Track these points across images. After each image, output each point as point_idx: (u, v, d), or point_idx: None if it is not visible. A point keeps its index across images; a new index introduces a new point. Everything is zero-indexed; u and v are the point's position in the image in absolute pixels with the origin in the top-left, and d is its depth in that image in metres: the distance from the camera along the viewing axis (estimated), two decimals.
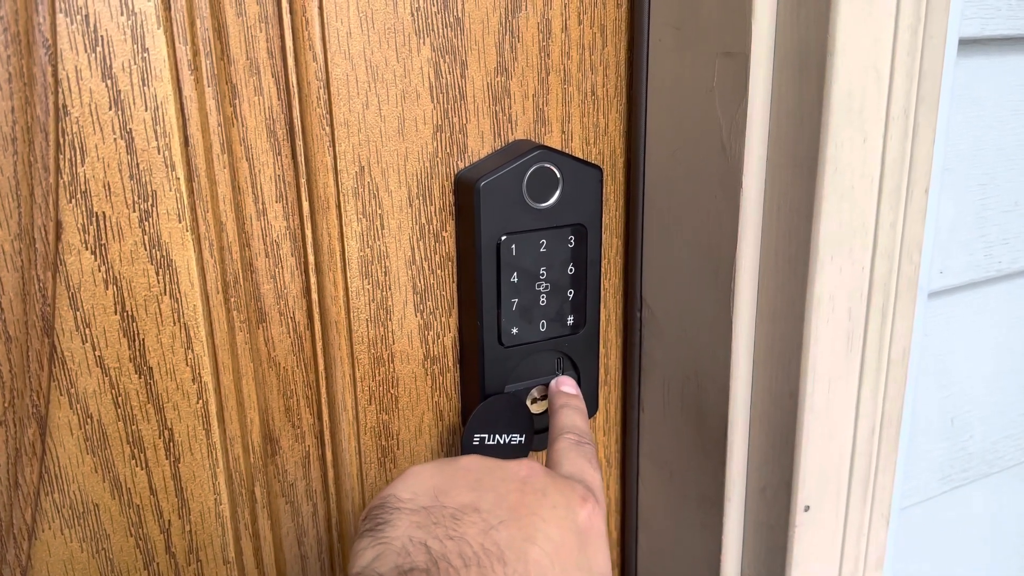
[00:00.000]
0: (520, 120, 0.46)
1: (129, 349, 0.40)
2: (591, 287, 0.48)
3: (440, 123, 0.44)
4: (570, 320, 0.48)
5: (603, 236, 0.51)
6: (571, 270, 0.47)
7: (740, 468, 0.47)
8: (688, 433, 0.49)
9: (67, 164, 0.37)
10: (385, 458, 0.48)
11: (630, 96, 0.49)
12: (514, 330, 0.46)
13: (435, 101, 0.44)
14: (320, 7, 0.40)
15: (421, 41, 0.43)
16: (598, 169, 0.47)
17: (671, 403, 0.50)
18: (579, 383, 0.50)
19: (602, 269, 0.51)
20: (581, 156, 0.49)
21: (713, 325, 0.46)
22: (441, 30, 0.43)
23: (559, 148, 0.48)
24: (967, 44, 0.47)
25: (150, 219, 0.39)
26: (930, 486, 0.57)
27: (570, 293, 0.48)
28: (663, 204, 0.48)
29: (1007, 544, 0.63)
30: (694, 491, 0.49)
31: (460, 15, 0.43)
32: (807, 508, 0.45)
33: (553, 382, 0.47)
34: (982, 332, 0.56)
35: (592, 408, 0.51)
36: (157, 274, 0.40)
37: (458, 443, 0.50)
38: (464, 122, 0.45)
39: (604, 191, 0.50)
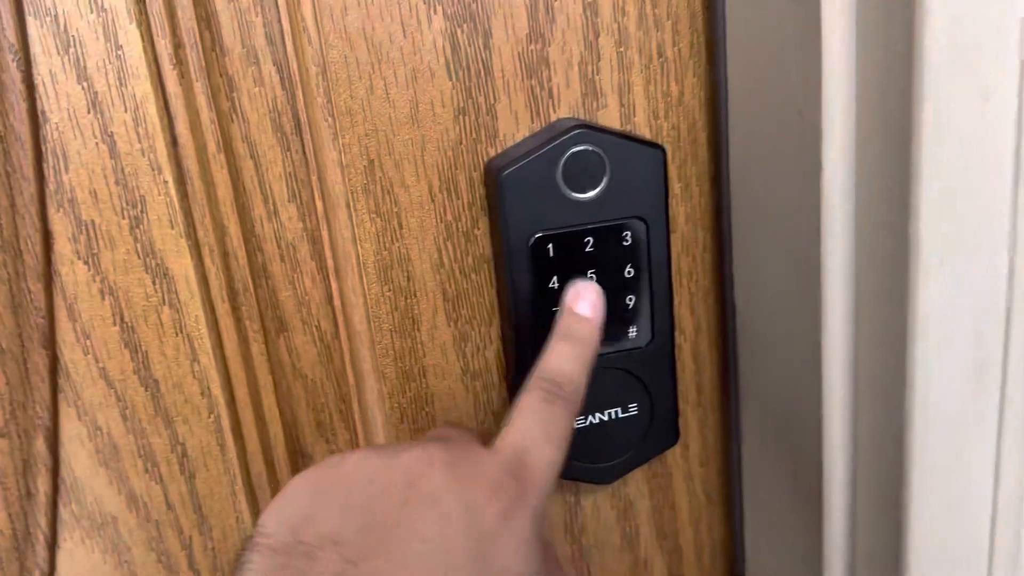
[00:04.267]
0: (564, 95, 0.39)
1: (132, 361, 0.39)
2: (658, 293, 0.40)
3: (462, 104, 0.38)
4: (632, 332, 0.40)
5: (686, 229, 0.42)
6: (629, 272, 0.39)
7: (841, 529, 0.36)
8: (785, 475, 0.39)
9: (51, 172, 0.36)
10: None
11: (711, 55, 0.40)
12: None
13: (454, 79, 0.38)
14: None
15: (431, 9, 0.37)
16: (659, 149, 0.38)
17: (768, 434, 0.41)
18: (651, 409, 0.42)
19: (686, 268, 0.43)
20: (648, 132, 0.40)
21: (803, 342, 0.36)
22: None
23: (618, 124, 0.40)
24: None
25: (141, 226, 0.37)
26: None
27: (630, 300, 0.40)
28: (748, 188, 0.39)
29: None
30: (794, 548, 0.40)
31: None
32: None
33: (570, 291, 0.37)
34: None
35: (671, 438, 0.43)
36: (153, 283, 0.38)
37: None
38: (492, 101, 0.38)
39: (683, 174, 0.41)
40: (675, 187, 0.41)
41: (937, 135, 0.28)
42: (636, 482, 0.45)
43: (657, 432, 0.42)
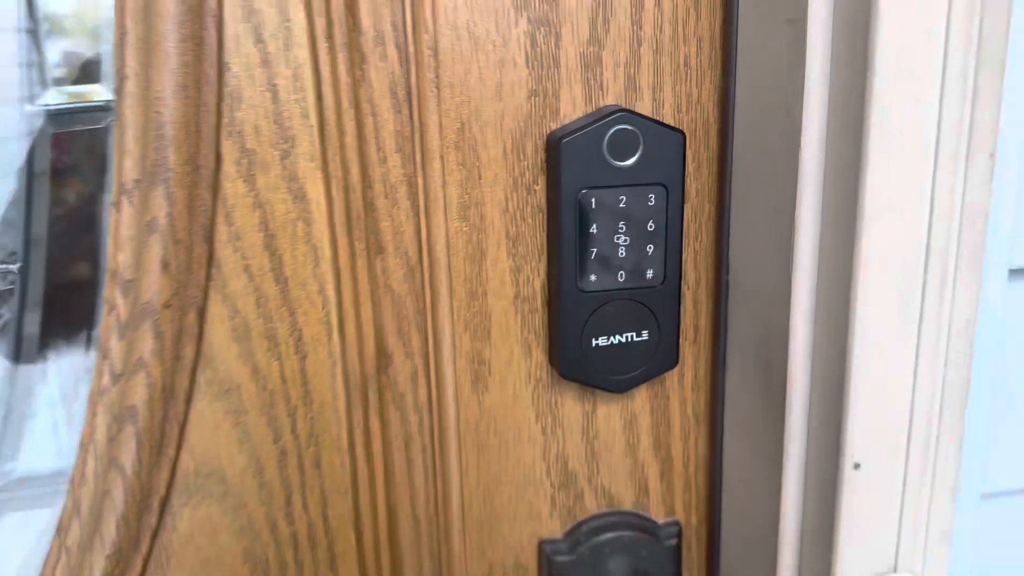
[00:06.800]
0: (611, 87, 0.51)
1: (270, 261, 0.50)
2: (671, 244, 0.52)
3: (535, 88, 0.50)
4: (649, 274, 0.52)
5: (696, 201, 0.54)
6: (651, 227, 0.51)
7: (800, 428, 0.48)
8: (759, 392, 0.51)
9: (227, 109, 0.47)
10: (478, 381, 0.55)
11: (725, 68, 0.52)
12: (592, 277, 0.51)
13: (530, 68, 0.50)
14: None
15: (519, 15, 0.49)
16: (680, 133, 0.50)
17: (747, 364, 0.53)
18: (659, 335, 0.53)
19: (693, 232, 0.55)
20: (673, 123, 0.52)
21: (779, 285, 0.48)
22: (538, 5, 0.49)
23: (650, 113, 0.52)
24: None
25: (289, 158, 0.49)
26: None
27: (650, 248, 0.52)
28: (746, 171, 0.51)
29: None
30: (763, 449, 0.52)
31: None
32: (857, 466, 0.46)
33: None
34: None
35: (673, 361, 0.55)
36: (293, 202, 0.50)
37: (545, 376, 0.55)
38: (557, 87, 0.51)
39: (697, 157, 0.53)
40: (690, 167, 0.54)
41: (881, 130, 0.41)
42: (641, 400, 0.57)
43: (662, 355, 0.54)
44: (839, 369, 0.45)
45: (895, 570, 0.48)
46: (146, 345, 0.49)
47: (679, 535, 0.60)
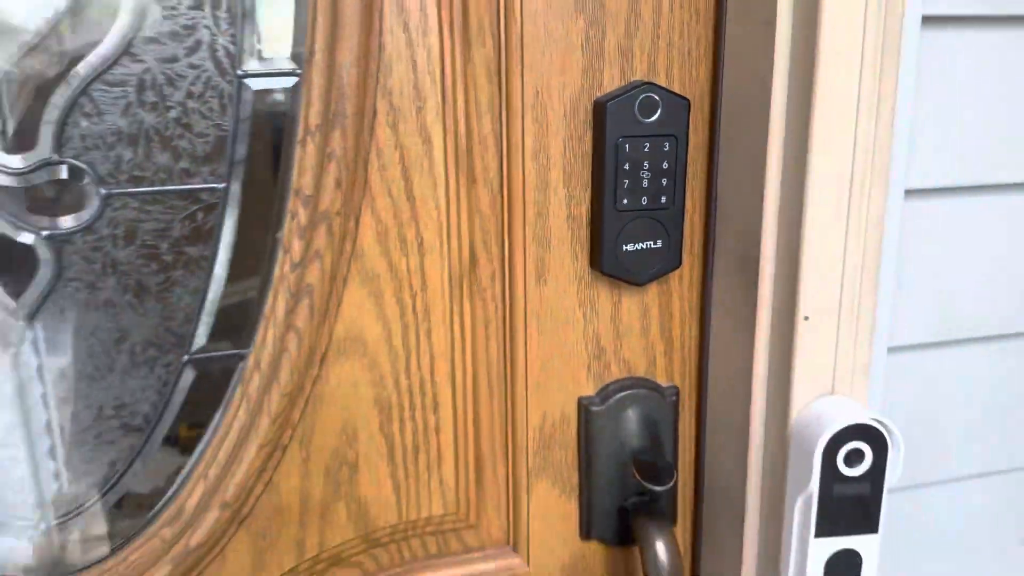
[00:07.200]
0: (639, 68, 0.74)
1: (404, 186, 0.71)
2: (678, 178, 0.75)
3: (586, 67, 0.73)
4: (663, 199, 0.75)
5: (692, 150, 0.77)
6: (665, 165, 0.74)
7: (768, 297, 0.71)
8: (738, 279, 0.74)
9: (382, 76, 0.68)
10: (540, 278, 0.76)
11: (715, 56, 0.76)
12: (625, 200, 0.74)
13: (584, 53, 0.72)
14: None
15: (578, 15, 0.71)
16: (686, 100, 0.73)
17: (731, 263, 0.76)
18: (668, 243, 0.76)
19: (691, 171, 0.78)
20: (680, 93, 0.75)
21: (754, 201, 0.71)
22: (591, 9, 0.71)
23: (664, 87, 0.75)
24: (935, 20, 0.70)
25: (421, 112, 0.70)
26: (918, 333, 0.78)
27: (664, 181, 0.74)
28: (731, 127, 0.74)
29: (996, 406, 0.83)
30: (740, 320, 0.74)
31: (604, 1, 0.72)
32: (806, 318, 0.69)
33: None
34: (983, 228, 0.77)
35: (677, 263, 0.77)
36: (422, 145, 0.71)
37: (586, 276, 0.77)
38: (602, 67, 0.73)
39: (693, 119, 0.77)
40: (690, 126, 0.76)
41: (823, 95, 0.64)
42: (652, 295, 0.80)
43: (671, 258, 0.77)
44: (795, 252, 0.68)
45: (832, 393, 0.71)
46: (322, 241, 0.69)
47: (677, 395, 0.82)
